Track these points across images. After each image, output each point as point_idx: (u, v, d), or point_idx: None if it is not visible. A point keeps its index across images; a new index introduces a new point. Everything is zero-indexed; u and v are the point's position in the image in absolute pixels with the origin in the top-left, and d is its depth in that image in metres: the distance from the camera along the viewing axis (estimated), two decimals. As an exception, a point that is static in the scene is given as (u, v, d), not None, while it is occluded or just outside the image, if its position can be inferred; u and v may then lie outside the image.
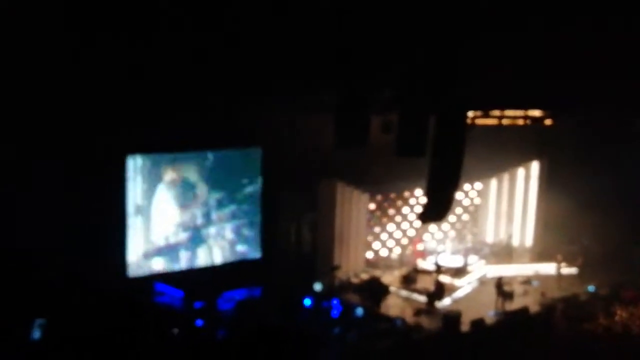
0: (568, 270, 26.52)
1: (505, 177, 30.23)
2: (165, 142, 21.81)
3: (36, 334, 17.86)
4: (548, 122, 25.68)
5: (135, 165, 21.79)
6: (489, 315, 22.84)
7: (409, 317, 22.49)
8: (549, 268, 26.90)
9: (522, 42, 17.73)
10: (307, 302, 22.61)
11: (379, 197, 27.97)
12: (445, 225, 28.82)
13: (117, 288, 20.56)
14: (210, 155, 23.40)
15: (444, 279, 25.37)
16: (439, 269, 25.70)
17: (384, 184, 27.24)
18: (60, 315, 18.16)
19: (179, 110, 20.06)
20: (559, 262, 26.32)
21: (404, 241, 28.66)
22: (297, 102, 21.54)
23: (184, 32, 16.42)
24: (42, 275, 18.71)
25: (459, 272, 26.27)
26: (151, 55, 16.96)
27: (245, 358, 17.00)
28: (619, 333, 21.35)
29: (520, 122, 25.44)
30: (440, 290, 24.33)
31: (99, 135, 19.29)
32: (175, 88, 18.58)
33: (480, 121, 23.95)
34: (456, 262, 26.89)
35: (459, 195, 27.70)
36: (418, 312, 22.98)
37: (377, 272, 26.15)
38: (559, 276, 26.12)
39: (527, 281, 25.97)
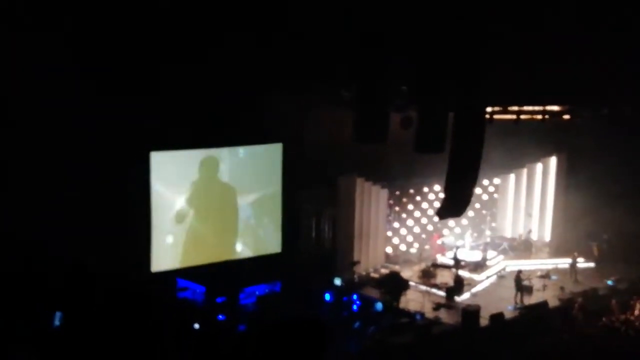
0: (586, 264, 26.55)
1: (524, 172, 30.23)
2: (188, 139, 21.98)
3: (57, 322, 18.19)
4: (566, 117, 25.64)
5: (157, 160, 21.97)
6: (508, 309, 22.92)
7: (429, 311, 22.62)
8: (567, 262, 26.93)
9: (540, 37, 17.78)
10: (327, 297, 22.79)
11: (398, 193, 28.10)
12: (463, 221, 28.88)
13: (140, 283, 20.79)
14: (240, 151, 23.57)
15: (463, 273, 25.47)
16: (458, 264, 25.79)
17: (403, 179, 27.39)
18: (82, 307, 18.44)
19: (202, 107, 20.26)
20: (574, 258, 26.33)
21: (423, 236, 28.78)
22: (317, 98, 21.66)
23: (209, 29, 16.62)
24: (66, 268, 18.97)
25: (478, 266, 26.38)
26: (176, 50, 17.17)
27: (263, 351, 17.17)
28: (636, 327, 21.38)
29: (539, 117, 25.41)
30: (459, 285, 24.44)
31: (123, 132, 19.50)
32: (198, 83, 18.79)
33: (499, 116, 23.95)
34: (475, 256, 26.98)
35: (477, 190, 27.73)
36: (437, 307, 23.09)
37: (396, 267, 26.27)
38: (576, 271, 26.13)
39: (545, 275, 26.00)
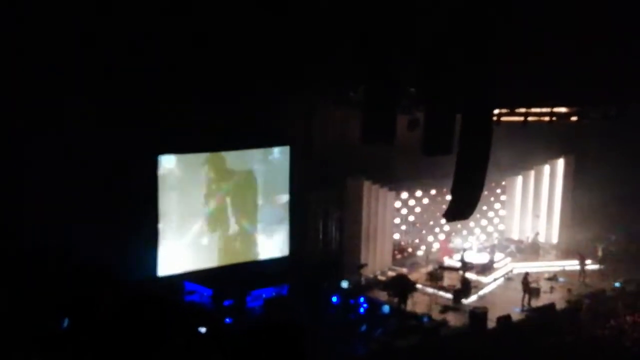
0: (592, 266, 26.49)
1: (531, 174, 30.20)
2: (196, 142, 22.06)
3: (65, 323, 18.19)
4: (574, 118, 25.59)
5: (166, 165, 22.02)
6: (515, 311, 22.88)
7: (436, 314, 22.60)
8: (575, 264, 26.89)
9: (547, 39, 17.74)
10: (334, 299, 22.77)
11: (405, 195, 28.08)
12: (471, 223, 28.84)
13: (147, 286, 20.82)
14: (242, 154, 23.68)
15: (470, 276, 25.43)
16: (465, 266, 25.76)
17: (410, 181, 27.37)
18: (89, 310, 18.45)
19: (212, 109, 20.30)
20: (581, 260, 26.27)
21: (430, 239, 28.75)
22: (324, 99, 21.68)
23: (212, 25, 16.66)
24: (73, 271, 18.99)
25: (485, 269, 26.33)
26: (181, 52, 17.22)
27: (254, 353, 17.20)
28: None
29: (546, 119, 25.36)
30: (466, 287, 24.40)
31: (132, 135, 19.57)
32: (204, 83, 18.84)
33: (506, 118, 23.91)
34: (482, 259, 26.95)
35: (484, 192, 27.67)
36: (444, 309, 23.09)
37: (403, 270, 26.24)
38: (583, 272, 26.07)
39: (553, 278, 25.97)
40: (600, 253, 27.18)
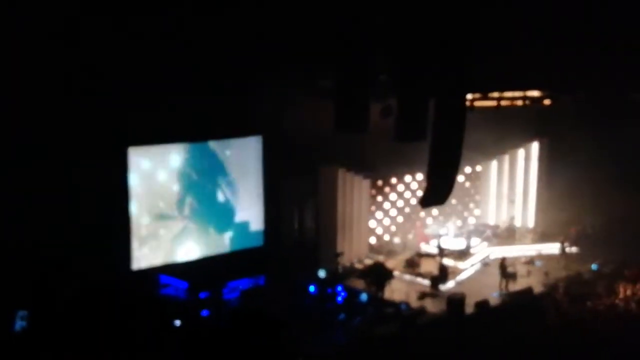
0: (570, 249, 26.58)
1: (506, 158, 30.21)
2: (166, 134, 21.79)
3: (19, 325, 17.94)
4: (547, 102, 25.63)
5: (135, 156, 21.73)
6: (493, 296, 22.90)
7: (414, 301, 22.54)
8: (551, 248, 26.96)
9: (517, 22, 17.71)
10: (312, 289, 22.68)
11: (380, 183, 27.99)
12: (447, 209, 28.82)
13: (120, 280, 20.62)
14: (212, 144, 23.42)
15: (447, 262, 25.41)
16: (442, 252, 25.74)
17: (385, 169, 27.28)
18: (51, 307, 18.23)
19: (183, 101, 20.08)
20: (562, 242, 26.37)
21: (407, 226, 28.69)
22: (296, 87, 21.53)
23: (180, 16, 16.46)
24: (39, 268, 18.75)
25: (462, 254, 26.31)
26: (148, 41, 17.01)
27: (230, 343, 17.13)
28: (621, 311, 21.40)
29: (519, 103, 25.39)
30: (444, 274, 24.39)
31: (101, 128, 19.28)
32: (171, 73, 18.63)
33: (479, 103, 23.89)
34: (459, 244, 26.93)
35: (459, 178, 27.67)
36: (422, 296, 23.03)
37: (380, 257, 26.18)
38: (564, 255, 26.16)
39: (530, 262, 26.04)
40: (574, 234, 27.25)
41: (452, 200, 28.24)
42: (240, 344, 17.11)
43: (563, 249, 26.36)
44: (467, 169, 29.62)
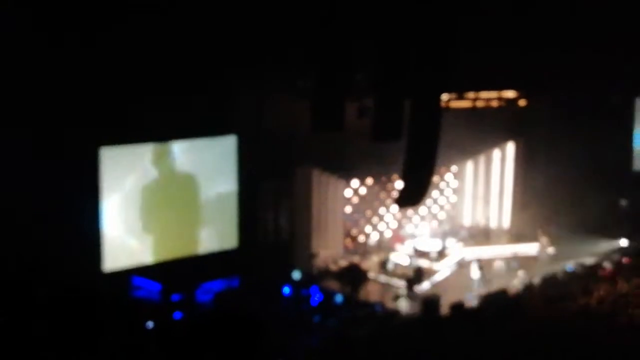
0: (545, 250, 26.63)
1: (481, 159, 30.22)
2: (139, 133, 21.48)
3: None
4: (522, 102, 25.70)
5: (107, 157, 21.39)
6: (468, 298, 22.84)
7: (389, 302, 22.50)
8: (527, 249, 26.99)
9: (493, 23, 17.72)
10: (286, 290, 22.53)
11: (356, 184, 27.87)
12: (422, 209, 28.78)
13: (91, 283, 20.34)
14: (186, 144, 23.15)
15: (422, 263, 25.35)
16: (417, 254, 25.70)
17: (360, 170, 27.17)
18: (19, 310, 17.91)
19: (157, 100, 19.85)
20: (541, 243, 26.46)
21: (382, 226, 28.60)
22: (271, 87, 21.41)
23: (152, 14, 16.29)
24: (6, 271, 18.44)
25: (437, 255, 26.25)
26: (118, 41, 16.81)
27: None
28: (595, 311, 21.43)
29: (495, 103, 25.45)
30: (418, 275, 24.32)
31: (71, 128, 18.98)
32: (149, 73, 18.42)
33: (455, 104, 23.91)
34: (434, 246, 26.87)
35: (435, 178, 27.66)
36: (397, 297, 22.97)
37: (355, 259, 26.06)
38: (535, 256, 26.24)
39: (505, 263, 26.04)
40: (541, 235, 27.33)
41: (427, 201, 28.19)
42: (215, 346, 16.92)
43: (539, 250, 26.40)
44: (443, 170, 29.58)
